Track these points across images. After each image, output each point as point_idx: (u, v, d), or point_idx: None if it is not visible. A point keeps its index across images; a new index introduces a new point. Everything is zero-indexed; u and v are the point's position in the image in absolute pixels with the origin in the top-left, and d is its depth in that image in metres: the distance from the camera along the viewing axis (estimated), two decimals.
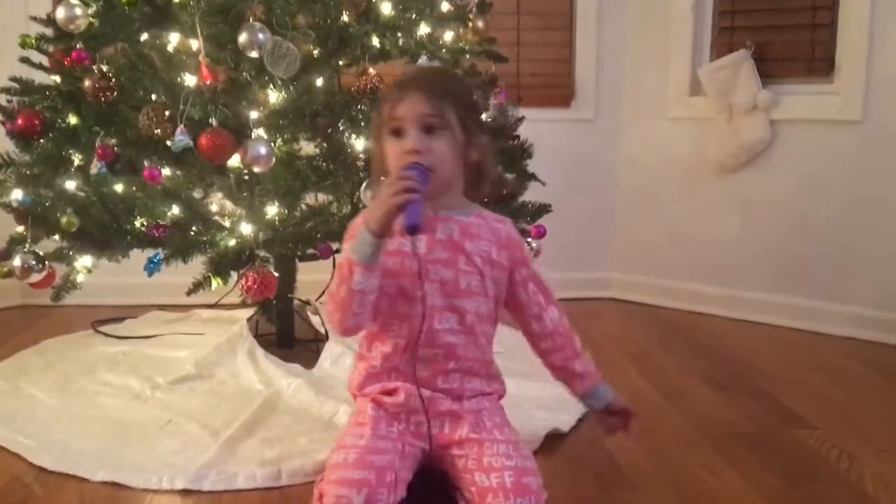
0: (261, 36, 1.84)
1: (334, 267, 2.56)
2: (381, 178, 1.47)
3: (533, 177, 2.41)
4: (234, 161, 1.87)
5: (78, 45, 1.91)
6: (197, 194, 2.09)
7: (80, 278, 2.05)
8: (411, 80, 1.44)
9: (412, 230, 1.28)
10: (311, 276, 2.42)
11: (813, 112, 2.90)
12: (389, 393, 1.49)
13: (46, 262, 1.96)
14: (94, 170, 1.86)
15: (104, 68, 1.96)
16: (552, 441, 1.82)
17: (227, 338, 2.34)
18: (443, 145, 1.39)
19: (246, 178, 1.91)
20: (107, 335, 2.60)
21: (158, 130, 1.81)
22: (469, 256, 1.46)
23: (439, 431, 1.47)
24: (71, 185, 1.98)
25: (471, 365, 1.51)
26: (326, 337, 2.37)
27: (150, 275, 2.00)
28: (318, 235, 1.94)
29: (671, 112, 3.19)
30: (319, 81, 2.12)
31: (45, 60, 2.15)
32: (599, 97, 3.30)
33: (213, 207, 2.01)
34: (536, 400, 1.99)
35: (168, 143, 1.81)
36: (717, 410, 2.06)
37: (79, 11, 1.95)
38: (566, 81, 3.31)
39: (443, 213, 1.46)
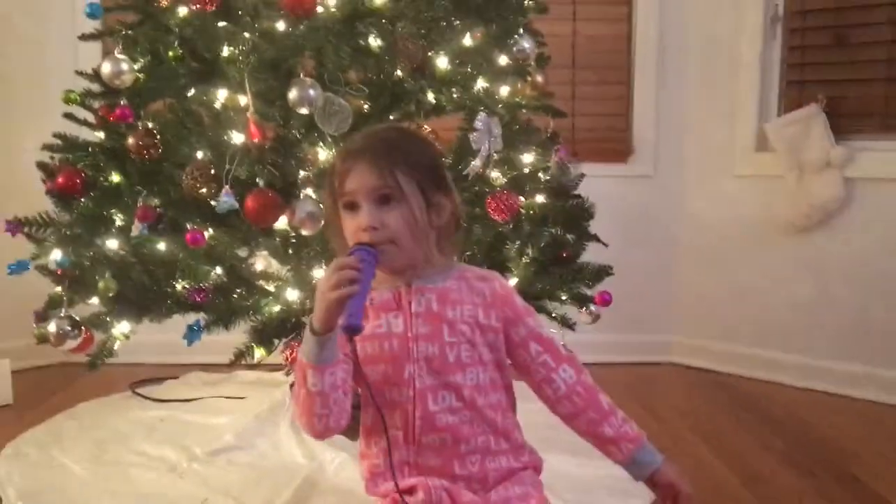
0: (312, 92, 1.74)
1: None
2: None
3: (595, 238, 2.27)
4: (282, 223, 1.77)
5: (122, 102, 1.83)
6: (242, 253, 1.99)
7: (117, 345, 1.95)
8: (356, 149, 1.30)
9: (350, 330, 1.14)
10: None
11: (890, 170, 2.74)
12: (408, 491, 1.31)
13: (83, 328, 1.86)
14: (135, 231, 1.77)
15: (149, 125, 1.88)
16: None
17: (269, 405, 2.22)
18: (399, 217, 1.26)
19: (294, 240, 1.80)
20: (145, 398, 2.51)
21: (203, 190, 1.72)
22: (452, 326, 1.30)
23: None
24: (111, 245, 1.89)
25: (485, 441, 1.33)
26: None
27: (190, 343, 1.89)
28: None
29: (737, 169, 3.05)
30: None
31: (90, 117, 2.09)
32: (659, 152, 3.16)
33: (258, 267, 1.90)
34: (600, 480, 1.81)
35: (213, 203, 1.71)
36: (806, 501, 1.87)
37: (125, 66, 1.88)
38: (623, 136, 3.19)
39: (417, 283, 1.32)
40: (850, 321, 2.81)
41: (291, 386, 2.26)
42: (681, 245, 3.19)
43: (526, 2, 2.21)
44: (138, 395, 2.53)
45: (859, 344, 2.79)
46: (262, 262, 1.94)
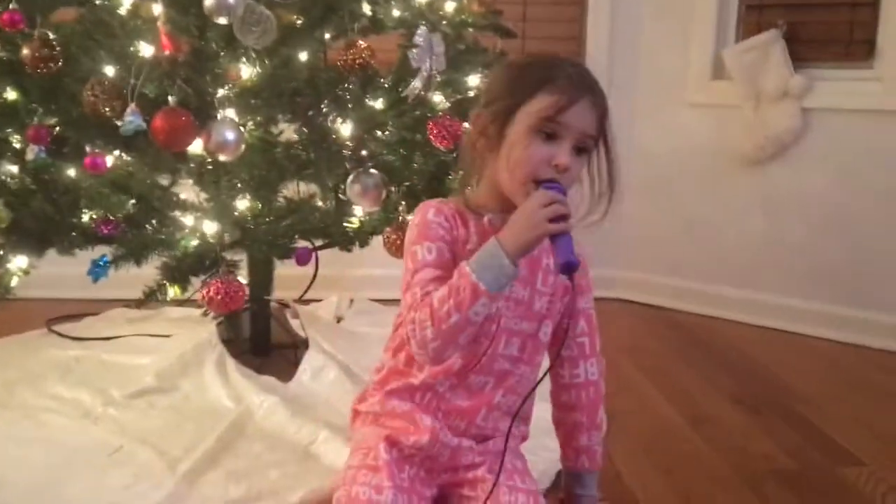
0: None
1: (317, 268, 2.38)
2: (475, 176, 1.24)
3: None
4: (198, 147, 1.59)
5: (11, 6, 1.61)
6: (165, 181, 1.82)
7: (14, 282, 1.77)
8: (588, 85, 1.16)
9: (568, 269, 1.07)
10: (290, 272, 2.17)
11: (850, 100, 2.65)
12: (409, 431, 1.25)
13: None
14: (30, 155, 1.58)
15: (48, 34, 1.67)
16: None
17: (194, 345, 2.07)
18: (580, 169, 1.19)
19: (211, 167, 1.63)
20: (61, 335, 2.34)
21: (107, 109, 1.52)
22: (546, 275, 1.24)
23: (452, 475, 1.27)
24: (9, 171, 1.70)
25: (514, 402, 1.27)
26: (306, 344, 2.10)
27: (96, 280, 1.73)
28: (296, 235, 1.65)
29: (691, 97, 2.93)
30: (304, 56, 1.83)
31: None
32: (612, 80, 3.01)
33: (183, 197, 1.74)
34: (547, 423, 1.74)
35: (118, 123, 1.53)
36: (752, 442, 1.82)
37: None
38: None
39: None
40: (803, 257, 2.76)
41: (219, 323, 2.13)
42: (629, 177, 3.04)
43: None
44: (54, 332, 2.36)
45: (812, 280, 2.74)
46: (186, 192, 1.77)
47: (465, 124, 1.95)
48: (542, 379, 1.25)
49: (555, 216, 1.07)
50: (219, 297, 1.57)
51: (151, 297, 1.65)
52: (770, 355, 2.49)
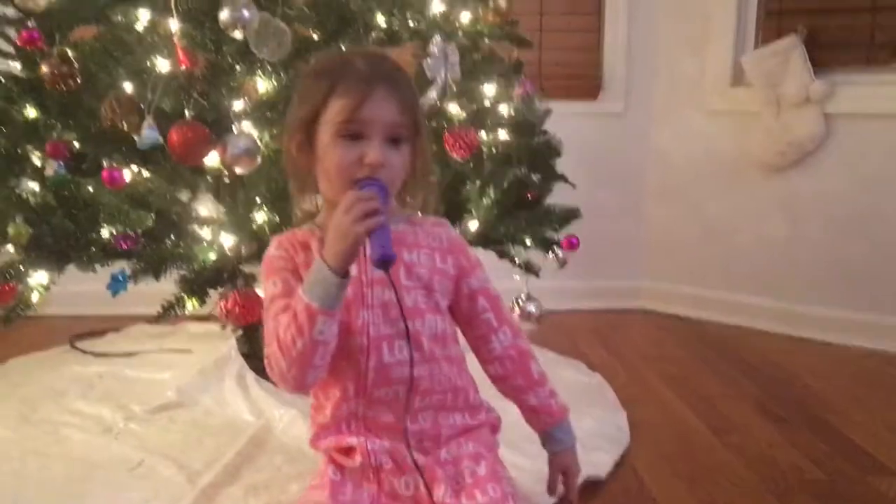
0: (246, 13, 1.56)
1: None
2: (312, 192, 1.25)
3: (562, 178, 2.13)
4: (215, 160, 1.59)
5: (30, 24, 1.63)
6: (184, 196, 1.82)
7: (35, 297, 1.78)
8: (379, 75, 1.14)
9: (384, 262, 1.07)
10: None
11: (872, 105, 2.62)
12: (346, 452, 1.25)
13: None
14: (49, 170, 1.59)
15: (67, 51, 1.68)
16: (586, 489, 1.53)
17: (215, 359, 2.08)
18: (402, 159, 1.17)
19: (228, 180, 1.63)
20: (84, 352, 2.36)
21: (124, 124, 1.53)
22: (410, 269, 1.22)
23: (416, 492, 1.23)
24: (29, 188, 1.71)
25: (440, 398, 1.26)
26: None
27: (115, 294, 1.73)
28: None
29: (710, 104, 2.90)
30: None
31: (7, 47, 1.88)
32: (630, 88, 3.01)
33: (203, 212, 1.74)
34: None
35: (135, 138, 1.53)
36: (779, 451, 1.78)
37: None
38: (593, 72, 3.02)
39: None
40: (825, 263, 2.72)
41: (238, 337, 2.12)
42: (650, 185, 3.06)
43: None
44: (77, 349, 2.37)
45: (834, 287, 2.70)
46: (205, 206, 1.78)
47: (482, 134, 1.95)
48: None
49: (362, 215, 1.06)
50: (236, 309, 1.57)
51: (170, 311, 1.65)
52: (795, 363, 2.45)
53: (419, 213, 1.29)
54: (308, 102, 1.16)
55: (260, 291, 1.65)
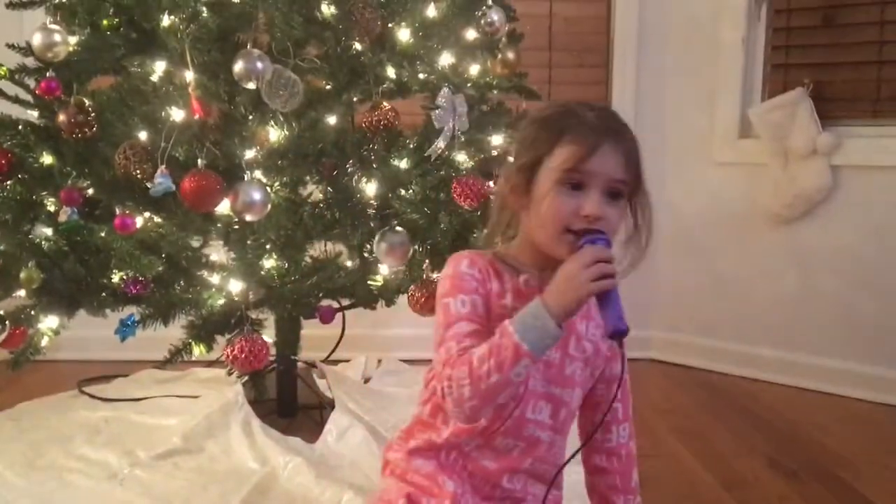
0: (259, 65, 1.60)
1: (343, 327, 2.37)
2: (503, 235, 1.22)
3: None
4: (225, 208, 1.62)
5: (49, 73, 1.67)
6: (195, 243, 1.85)
7: (45, 342, 1.79)
8: (609, 129, 1.12)
9: (618, 334, 1.04)
10: (317, 332, 2.16)
11: (880, 157, 2.61)
12: (432, 493, 1.20)
13: (7, 323, 1.70)
14: (62, 216, 1.62)
15: (84, 101, 1.72)
16: None
17: (221, 406, 2.08)
18: (620, 217, 1.14)
19: (237, 227, 1.65)
20: (92, 396, 2.35)
21: (138, 172, 1.56)
22: (580, 339, 1.20)
23: None
24: (43, 233, 1.73)
25: (545, 469, 1.23)
26: (333, 405, 2.09)
27: (123, 339, 1.74)
28: (321, 294, 1.66)
29: (718, 156, 2.92)
30: (333, 119, 1.87)
31: (25, 95, 1.92)
32: (638, 139, 3.02)
33: (213, 258, 1.76)
34: (580, 487, 1.69)
35: (148, 185, 1.56)
36: None
37: (58, 38, 1.72)
38: None
39: None
40: (836, 315, 2.69)
41: (245, 383, 2.12)
42: (660, 235, 3.05)
43: None
44: (85, 393, 2.37)
45: (845, 339, 2.67)
46: (216, 252, 1.80)
47: (490, 183, 1.96)
48: (581, 447, 1.23)
49: (600, 275, 1.03)
50: (242, 355, 1.57)
51: (177, 356, 1.65)
52: (806, 416, 2.41)
53: None
54: (533, 148, 1.15)
55: (268, 339, 1.66)
